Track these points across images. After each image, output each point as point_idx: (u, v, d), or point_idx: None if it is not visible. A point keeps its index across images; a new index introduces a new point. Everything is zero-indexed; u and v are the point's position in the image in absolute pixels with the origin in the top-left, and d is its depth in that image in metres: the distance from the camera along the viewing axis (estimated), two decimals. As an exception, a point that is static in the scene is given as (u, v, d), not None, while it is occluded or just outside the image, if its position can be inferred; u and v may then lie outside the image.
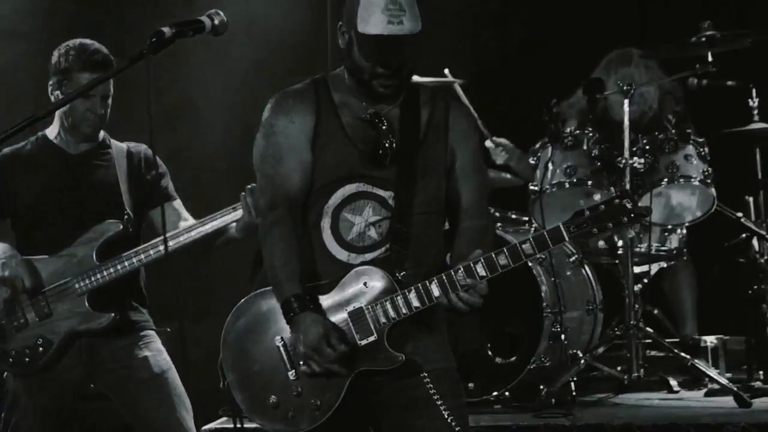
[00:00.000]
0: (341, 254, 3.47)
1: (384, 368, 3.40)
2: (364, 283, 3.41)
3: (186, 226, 4.49)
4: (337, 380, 3.40)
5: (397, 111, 3.53)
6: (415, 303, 3.37)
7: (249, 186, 4.26)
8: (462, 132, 3.57)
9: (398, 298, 3.37)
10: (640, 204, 5.82)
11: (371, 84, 3.45)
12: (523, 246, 3.33)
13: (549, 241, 3.36)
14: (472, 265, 3.31)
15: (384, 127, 3.48)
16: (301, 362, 3.40)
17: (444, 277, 3.34)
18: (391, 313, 3.38)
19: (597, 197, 6.04)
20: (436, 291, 3.35)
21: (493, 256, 3.32)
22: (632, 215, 3.34)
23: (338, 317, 3.41)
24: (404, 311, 3.37)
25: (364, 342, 3.39)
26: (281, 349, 3.46)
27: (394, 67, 3.42)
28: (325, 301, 3.44)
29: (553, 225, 3.38)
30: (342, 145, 3.48)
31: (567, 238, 3.36)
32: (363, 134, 3.49)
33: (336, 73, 3.59)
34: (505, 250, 3.32)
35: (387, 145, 3.46)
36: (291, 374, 3.45)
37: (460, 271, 3.32)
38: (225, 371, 3.56)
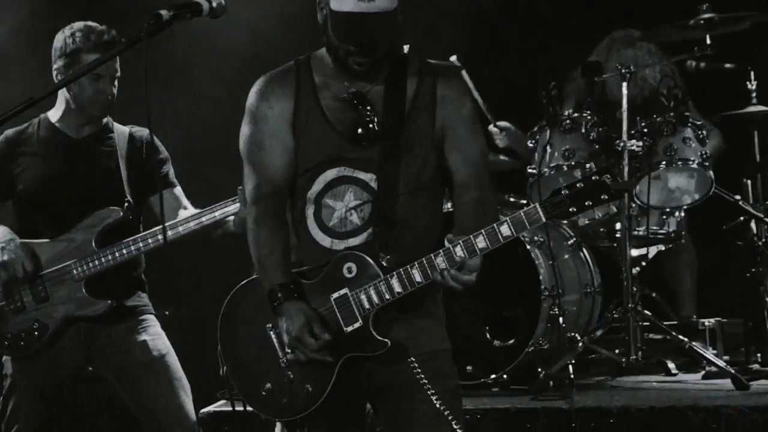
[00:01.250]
0: (324, 241, 3.45)
1: (370, 354, 3.38)
2: (348, 269, 3.38)
3: (185, 217, 4.48)
4: (326, 366, 3.39)
5: (381, 88, 3.47)
6: (397, 288, 3.33)
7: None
8: (451, 103, 3.48)
9: (381, 283, 3.34)
10: (638, 186, 5.91)
11: (347, 61, 3.40)
12: (501, 228, 3.25)
13: (526, 222, 3.26)
14: (451, 249, 3.27)
15: (366, 108, 3.43)
16: (289, 350, 3.40)
17: (425, 262, 3.30)
18: (375, 298, 3.35)
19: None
20: (417, 276, 3.31)
21: (472, 238, 3.25)
22: (612, 192, 3.21)
23: (324, 304, 3.40)
24: (387, 297, 3.34)
25: (350, 328, 3.38)
26: (273, 336, 3.46)
27: (367, 45, 3.36)
28: (311, 288, 3.42)
29: (530, 205, 3.30)
30: (321, 128, 3.45)
31: (544, 219, 3.25)
32: (343, 116, 3.45)
33: (318, 52, 3.54)
34: (483, 233, 3.25)
35: (369, 125, 3.42)
36: (282, 361, 3.45)
37: (440, 256, 3.28)
38: (223, 359, 3.56)
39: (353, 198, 3.43)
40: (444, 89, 3.50)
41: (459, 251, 3.26)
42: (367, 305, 3.36)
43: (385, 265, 3.36)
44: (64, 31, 4.51)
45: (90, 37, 4.45)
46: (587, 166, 6.03)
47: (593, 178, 3.23)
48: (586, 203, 3.24)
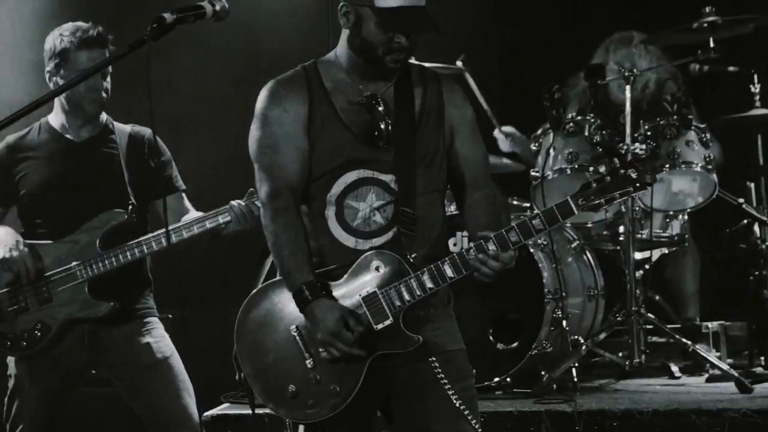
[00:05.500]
0: (348, 241, 3.48)
1: (401, 351, 3.41)
2: (376, 268, 3.42)
3: (188, 220, 4.48)
4: (355, 365, 3.41)
5: (391, 91, 3.54)
6: (429, 284, 3.39)
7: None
8: (457, 106, 3.60)
9: (412, 280, 3.39)
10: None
11: (384, 60, 3.47)
12: (533, 222, 3.36)
13: (558, 216, 3.37)
14: (483, 243, 3.34)
15: (380, 109, 3.49)
16: (321, 349, 3.41)
17: (457, 258, 3.36)
18: (406, 295, 3.39)
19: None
20: (449, 271, 3.38)
21: (504, 233, 3.34)
22: (638, 184, 3.37)
23: (352, 303, 3.42)
24: (418, 293, 3.39)
25: (380, 326, 3.41)
26: (297, 337, 3.47)
27: (414, 38, 3.46)
28: (338, 287, 3.45)
29: (561, 199, 3.40)
30: (337, 131, 3.49)
31: (576, 211, 3.38)
32: (357, 118, 3.50)
33: (326, 58, 3.60)
34: (515, 227, 3.35)
35: (383, 127, 3.47)
36: (308, 362, 3.45)
37: (471, 251, 3.35)
38: (241, 363, 3.56)
39: (376, 198, 3.48)
40: (449, 93, 3.60)
41: (491, 246, 3.34)
42: (398, 302, 3.40)
43: (412, 261, 3.41)
44: (53, 33, 4.54)
45: (76, 34, 4.48)
46: (590, 169, 6.03)
47: (620, 171, 3.38)
48: (615, 195, 3.39)
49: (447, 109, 3.57)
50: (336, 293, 3.44)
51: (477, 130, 3.64)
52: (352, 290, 3.43)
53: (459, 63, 6.43)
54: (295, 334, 3.47)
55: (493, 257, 3.34)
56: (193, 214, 4.58)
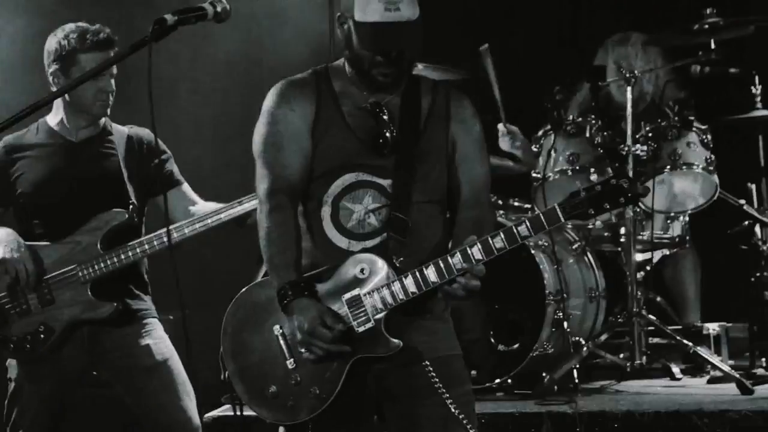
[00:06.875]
0: (342, 242, 3.46)
1: (382, 355, 3.38)
2: (362, 270, 3.39)
3: (198, 212, 4.49)
4: (335, 367, 3.39)
5: (397, 100, 3.53)
6: (412, 288, 3.34)
7: None
8: (463, 121, 3.55)
9: (395, 284, 3.35)
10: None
11: (371, 73, 3.44)
12: (519, 228, 3.29)
13: (545, 223, 3.30)
14: (468, 249, 3.29)
15: (384, 117, 3.48)
16: (302, 349, 3.39)
17: (440, 262, 3.32)
18: (389, 299, 3.35)
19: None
20: (432, 276, 3.32)
21: (489, 239, 3.29)
22: (629, 195, 3.27)
23: (336, 304, 3.40)
24: (401, 297, 3.35)
25: (361, 329, 3.37)
26: (280, 338, 3.45)
27: (393, 55, 3.42)
28: (323, 287, 3.42)
29: (549, 206, 3.34)
30: (342, 134, 3.48)
31: (563, 219, 3.30)
32: (363, 123, 3.49)
33: (337, 63, 3.59)
34: (501, 233, 3.29)
35: (387, 134, 3.46)
36: (290, 363, 3.43)
37: (456, 255, 3.30)
38: (225, 362, 3.55)
39: (372, 201, 3.45)
40: (457, 107, 3.56)
41: (476, 251, 3.29)
42: (380, 306, 3.37)
43: (398, 266, 3.38)
44: (57, 34, 4.49)
45: (85, 37, 4.45)
46: (592, 170, 6.03)
47: (611, 181, 3.28)
48: (604, 206, 3.29)
49: (453, 122, 3.53)
50: (322, 293, 3.41)
51: (483, 149, 3.58)
52: (337, 291, 3.40)
53: (485, 47, 6.39)
54: (279, 334, 3.45)
55: (468, 270, 3.28)
56: (201, 204, 4.58)
